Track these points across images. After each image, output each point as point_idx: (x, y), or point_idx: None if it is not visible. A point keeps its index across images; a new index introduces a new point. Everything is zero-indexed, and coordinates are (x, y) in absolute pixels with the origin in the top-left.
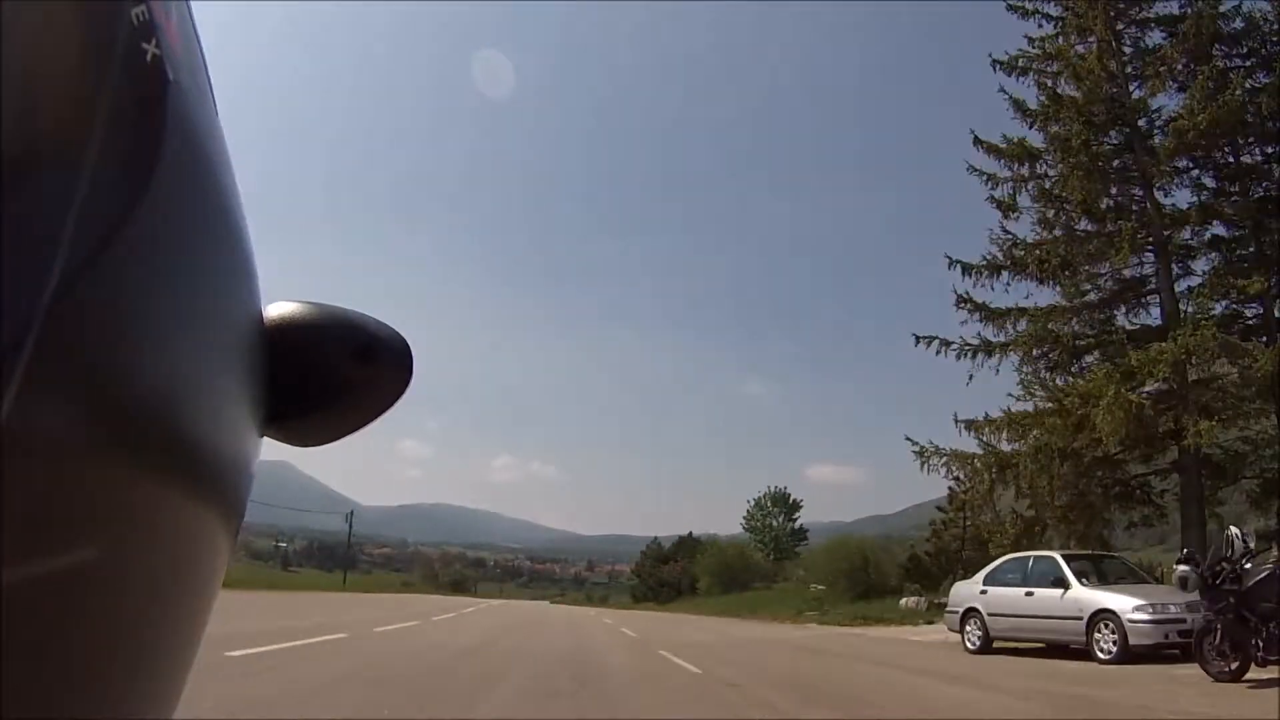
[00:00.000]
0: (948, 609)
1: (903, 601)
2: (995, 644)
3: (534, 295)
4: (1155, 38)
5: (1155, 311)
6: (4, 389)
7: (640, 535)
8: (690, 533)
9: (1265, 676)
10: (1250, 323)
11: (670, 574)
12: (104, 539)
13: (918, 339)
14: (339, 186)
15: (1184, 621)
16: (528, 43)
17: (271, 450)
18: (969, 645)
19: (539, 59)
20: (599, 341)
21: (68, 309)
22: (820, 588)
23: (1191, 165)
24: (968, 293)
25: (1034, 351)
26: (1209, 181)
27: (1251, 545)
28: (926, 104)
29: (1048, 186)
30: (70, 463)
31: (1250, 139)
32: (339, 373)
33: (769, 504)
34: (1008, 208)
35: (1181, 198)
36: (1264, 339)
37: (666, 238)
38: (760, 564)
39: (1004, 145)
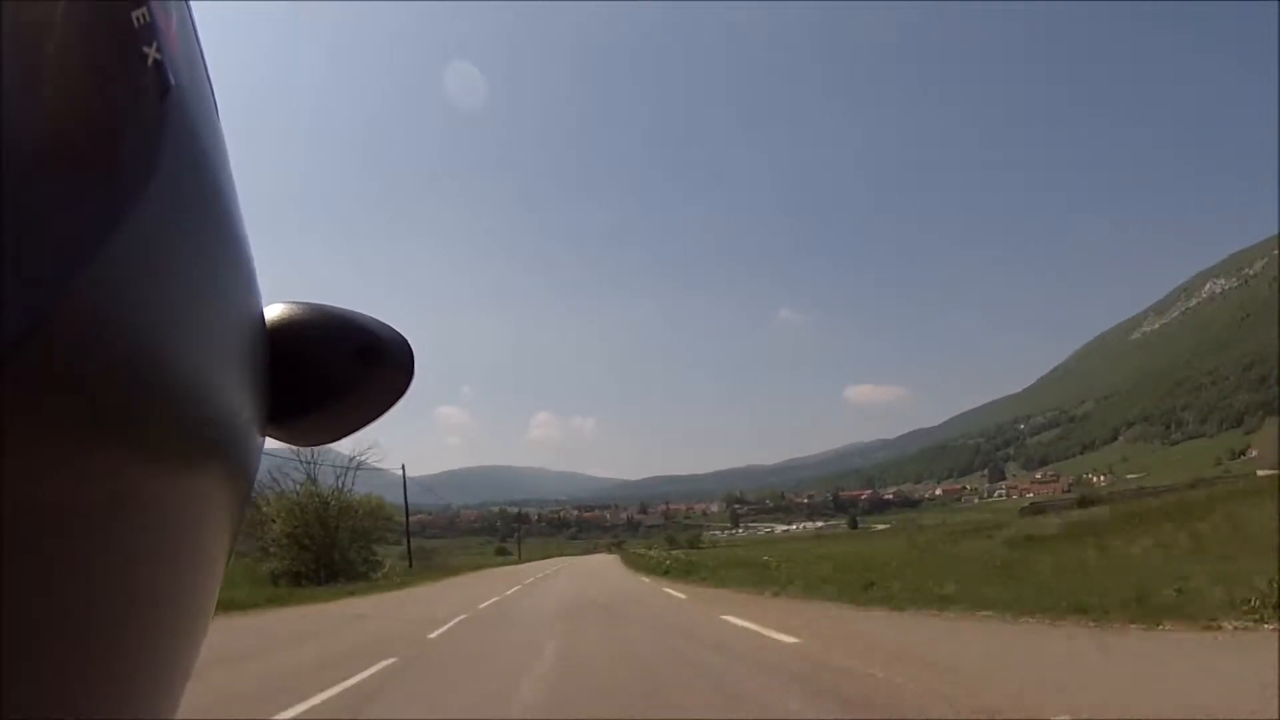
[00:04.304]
0: None
1: None
2: None
3: (556, 257)
4: None
5: None
6: (3, 389)
7: (685, 474)
8: None
9: None
10: None
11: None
12: (104, 540)
13: None
14: (406, 179)
15: None
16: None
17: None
18: None
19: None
20: (624, 291)
21: (67, 310)
22: None
23: None
24: None
25: None
26: None
27: None
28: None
29: None
30: (69, 464)
31: None
32: (339, 373)
33: None
34: None
35: None
36: None
37: (687, 190)
38: None
39: None
